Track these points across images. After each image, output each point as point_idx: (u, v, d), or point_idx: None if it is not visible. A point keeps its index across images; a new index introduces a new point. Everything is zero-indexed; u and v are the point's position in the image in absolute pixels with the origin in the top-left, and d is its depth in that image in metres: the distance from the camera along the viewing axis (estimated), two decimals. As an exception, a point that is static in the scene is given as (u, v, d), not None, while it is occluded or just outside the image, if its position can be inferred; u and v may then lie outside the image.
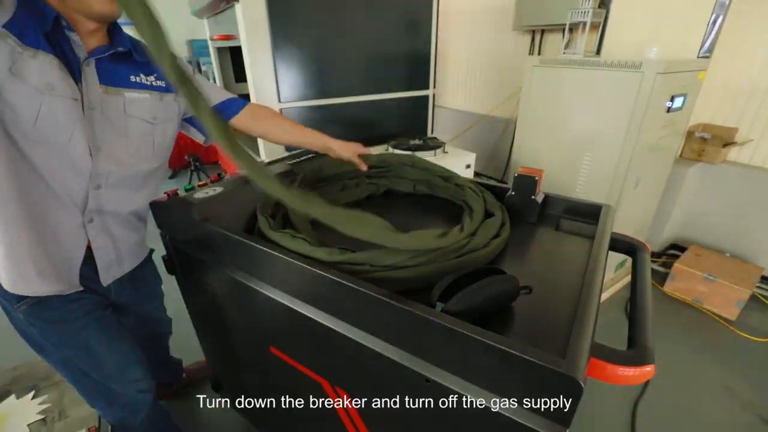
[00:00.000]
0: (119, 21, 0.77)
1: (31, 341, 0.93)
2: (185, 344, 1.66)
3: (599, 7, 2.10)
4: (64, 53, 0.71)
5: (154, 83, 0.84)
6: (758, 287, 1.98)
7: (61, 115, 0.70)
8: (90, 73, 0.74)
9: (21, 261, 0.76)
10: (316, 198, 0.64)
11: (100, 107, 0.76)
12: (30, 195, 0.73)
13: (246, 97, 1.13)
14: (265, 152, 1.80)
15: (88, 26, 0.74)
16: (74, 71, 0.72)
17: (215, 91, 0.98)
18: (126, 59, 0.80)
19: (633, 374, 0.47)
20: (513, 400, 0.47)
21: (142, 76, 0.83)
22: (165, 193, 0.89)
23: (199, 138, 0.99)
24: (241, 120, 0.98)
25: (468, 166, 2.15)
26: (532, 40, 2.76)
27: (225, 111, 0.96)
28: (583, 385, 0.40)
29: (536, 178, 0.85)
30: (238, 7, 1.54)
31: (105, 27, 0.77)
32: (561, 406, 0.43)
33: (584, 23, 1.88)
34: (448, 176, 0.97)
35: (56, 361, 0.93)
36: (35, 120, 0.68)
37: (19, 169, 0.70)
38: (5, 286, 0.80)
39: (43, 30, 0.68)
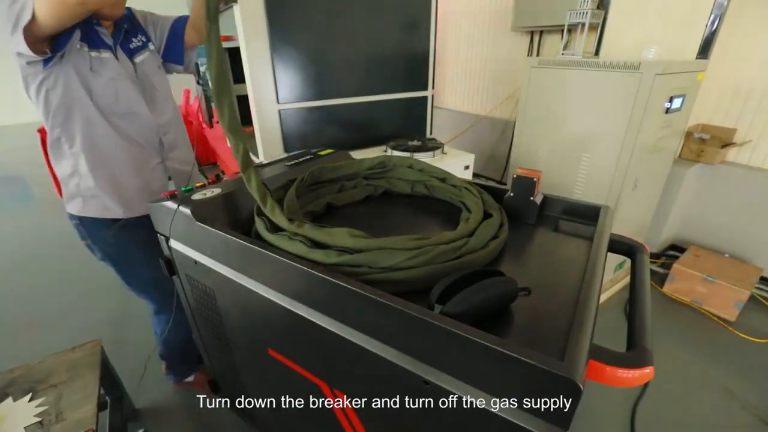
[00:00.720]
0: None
1: (113, 259, 1.18)
2: (184, 346, 1.65)
3: (598, 8, 2.11)
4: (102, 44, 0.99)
5: (143, 41, 1.10)
6: (757, 288, 1.98)
7: (130, 92, 1.04)
8: (121, 54, 1.03)
9: (125, 191, 1.10)
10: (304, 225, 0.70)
11: (140, 75, 1.07)
12: (129, 149, 1.08)
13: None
14: (263, 153, 1.80)
15: (106, 23, 1.01)
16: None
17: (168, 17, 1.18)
18: (124, 33, 1.05)
19: (632, 376, 0.47)
20: (512, 402, 0.47)
21: (133, 41, 1.08)
22: (163, 194, 0.89)
23: (178, 69, 1.21)
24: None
25: (467, 167, 2.15)
26: (531, 40, 2.76)
27: (180, 26, 1.16)
28: (581, 387, 0.40)
29: (535, 179, 0.84)
30: (236, 8, 1.54)
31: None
32: (560, 408, 0.43)
33: (583, 24, 1.88)
34: (444, 177, 0.97)
35: (135, 276, 1.23)
36: (116, 101, 1.02)
37: (120, 135, 1.05)
38: (96, 215, 1.10)
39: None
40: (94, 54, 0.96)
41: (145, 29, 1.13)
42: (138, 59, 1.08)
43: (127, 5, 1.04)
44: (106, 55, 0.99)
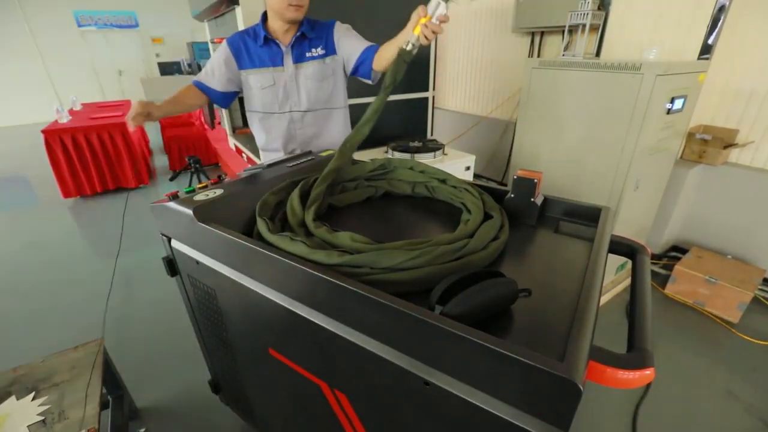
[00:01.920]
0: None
1: None
2: (185, 344, 1.66)
3: (599, 9, 2.11)
4: (273, 50, 1.29)
5: (319, 54, 1.31)
6: (760, 289, 1.97)
7: (272, 96, 1.35)
8: (287, 58, 1.30)
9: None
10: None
11: (293, 77, 1.32)
12: (275, 135, 1.42)
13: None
14: (263, 155, 1.80)
15: (283, 29, 1.27)
16: (277, 59, 1.30)
17: (359, 41, 1.31)
18: (305, 38, 1.29)
19: (632, 377, 0.47)
20: (512, 403, 0.47)
21: (313, 50, 1.30)
22: (165, 195, 0.90)
23: (367, 81, 1.33)
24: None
25: (468, 168, 2.15)
26: (532, 41, 2.76)
27: (366, 59, 1.28)
28: (581, 388, 0.40)
29: (535, 180, 0.84)
30: (238, 10, 1.55)
31: (295, 26, 1.28)
32: (560, 410, 0.43)
33: (584, 25, 1.88)
34: (444, 178, 0.97)
35: None
36: (262, 105, 1.37)
37: (269, 124, 1.41)
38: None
39: (260, 45, 1.28)
40: (244, 75, 1.33)
41: (335, 45, 1.32)
42: (307, 67, 1.31)
43: (330, 19, 1.33)
44: (264, 70, 1.31)
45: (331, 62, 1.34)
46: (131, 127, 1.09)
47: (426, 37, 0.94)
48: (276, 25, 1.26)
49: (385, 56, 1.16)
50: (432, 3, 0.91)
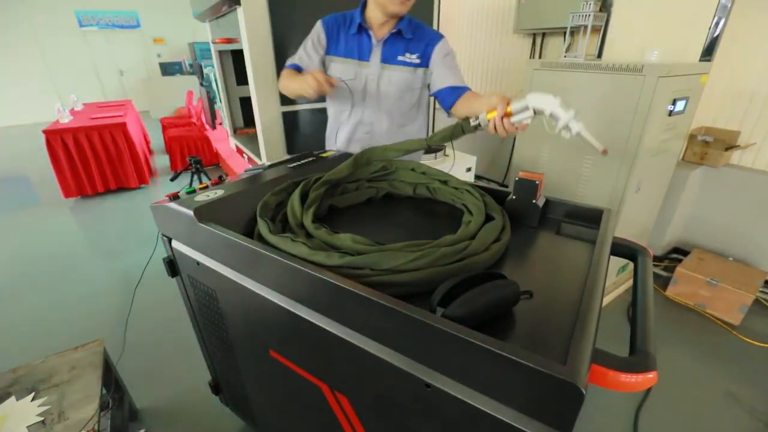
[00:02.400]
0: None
1: None
2: (185, 345, 1.66)
3: (600, 10, 2.10)
4: (363, 41, 1.18)
5: (413, 60, 1.19)
6: (762, 292, 1.97)
7: (349, 92, 1.23)
8: (375, 54, 1.18)
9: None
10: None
11: (376, 77, 1.21)
12: (340, 133, 1.33)
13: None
14: (266, 155, 1.80)
15: (381, 21, 1.15)
16: (365, 52, 1.18)
17: (453, 75, 1.20)
18: (400, 37, 1.17)
19: (635, 381, 0.47)
20: (513, 406, 0.46)
21: (407, 54, 1.18)
22: (166, 195, 0.89)
23: (445, 108, 1.22)
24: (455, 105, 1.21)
25: (469, 170, 2.15)
26: (533, 43, 2.76)
27: (449, 98, 1.19)
28: (584, 391, 0.40)
29: (537, 181, 0.84)
30: (239, 10, 1.55)
31: (394, 20, 1.15)
32: (562, 413, 0.43)
33: (585, 26, 1.88)
34: (446, 180, 0.97)
35: None
36: (337, 97, 1.27)
37: (339, 120, 1.33)
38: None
39: (352, 32, 1.17)
40: (328, 61, 1.22)
41: (430, 61, 1.20)
42: (395, 70, 1.19)
43: (436, 32, 1.21)
44: (346, 60, 1.20)
45: (422, 75, 1.21)
46: (328, 89, 1.03)
47: (496, 131, 0.87)
48: (373, 15, 1.14)
49: (460, 111, 1.13)
50: (519, 104, 0.82)
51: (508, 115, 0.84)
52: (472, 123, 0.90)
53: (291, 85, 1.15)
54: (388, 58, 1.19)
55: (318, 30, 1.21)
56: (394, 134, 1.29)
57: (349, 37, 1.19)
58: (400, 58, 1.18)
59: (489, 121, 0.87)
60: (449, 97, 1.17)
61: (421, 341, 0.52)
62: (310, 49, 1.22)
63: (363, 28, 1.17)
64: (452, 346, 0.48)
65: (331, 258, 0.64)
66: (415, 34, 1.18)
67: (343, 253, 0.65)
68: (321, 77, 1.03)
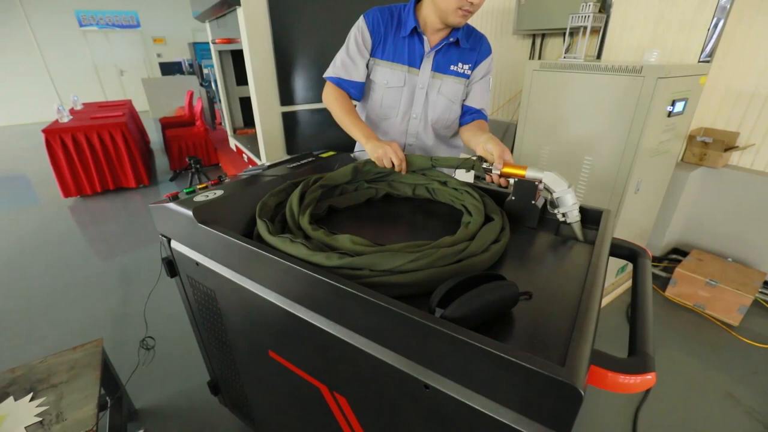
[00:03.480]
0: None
1: None
2: (186, 346, 1.66)
3: (600, 11, 2.11)
4: (415, 46, 1.07)
5: (465, 72, 1.11)
6: (761, 292, 1.97)
7: (395, 100, 1.13)
8: (427, 62, 1.08)
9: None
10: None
11: (425, 87, 1.11)
12: (386, 135, 1.21)
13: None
14: (265, 155, 1.80)
15: (436, 27, 1.04)
16: (416, 58, 1.08)
17: (480, 98, 1.16)
18: (456, 46, 1.08)
19: (633, 382, 0.47)
20: (512, 408, 0.46)
21: (460, 64, 1.10)
22: (165, 195, 0.89)
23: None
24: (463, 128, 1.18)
25: (468, 170, 2.15)
26: (533, 44, 2.77)
27: (469, 115, 1.17)
28: (582, 393, 0.40)
29: (536, 182, 0.84)
30: (239, 11, 1.55)
31: (450, 28, 1.05)
32: (560, 414, 0.43)
33: (585, 27, 1.88)
34: (445, 180, 0.97)
35: None
36: (380, 105, 1.15)
37: (379, 131, 1.20)
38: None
39: (403, 35, 1.06)
40: (371, 63, 1.11)
41: (475, 67, 1.12)
42: (446, 80, 1.10)
43: (488, 44, 1.12)
44: (394, 64, 1.09)
45: (469, 86, 1.14)
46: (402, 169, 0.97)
47: (491, 179, 0.89)
48: (429, 20, 1.03)
49: (461, 134, 1.14)
50: (534, 174, 0.83)
51: (520, 176, 0.85)
52: (485, 166, 0.90)
53: (347, 123, 1.05)
54: (440, 67, 1.09)
55: (362, 28, 1.07)
56: (439, 147, 1.23)
57: (399, 39, 1.07)
58: (452, 68, 1.09)
59: (486, 170, 0.89)
60: (465, 116, 1.16)
61: (420, 342, 0.52)
62: (354, 54, 1.09)
63: (416, 32, 1.06)
64: (451, 347, 0.48)
65: (331, 259, 0.64)
66: (471, 44, 1.10)
67: (342, 254, 0.65)
68: (401, 157, 0.95)
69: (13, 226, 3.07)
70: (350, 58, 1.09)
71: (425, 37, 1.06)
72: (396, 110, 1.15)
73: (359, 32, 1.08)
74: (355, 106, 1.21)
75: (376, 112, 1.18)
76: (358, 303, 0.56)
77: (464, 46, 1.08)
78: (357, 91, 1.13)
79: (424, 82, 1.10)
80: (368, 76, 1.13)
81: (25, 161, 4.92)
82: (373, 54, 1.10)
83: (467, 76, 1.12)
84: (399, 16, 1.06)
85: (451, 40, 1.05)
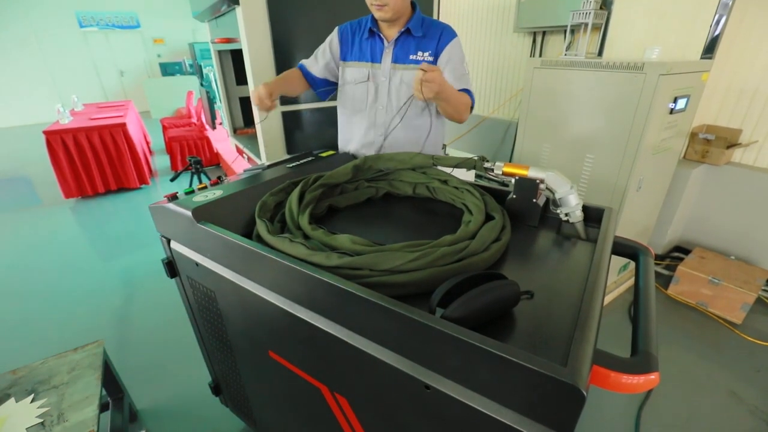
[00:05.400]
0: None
1: None
2: (186, 346, 1.66)
3: (601, 8, 2.09)
4: (376, 44, 1.19)
5: (425, 59, 1.16)
6: (764, 290, 1.96)
7: (363, 94, 1.24)
8: (387, 55, 1.18)
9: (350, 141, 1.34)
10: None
11: (387, 78, 1.19)
12: (355, 136, 1.31)
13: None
14: (265, 155, 1.80)
15: (385, 24, 1.16)
16: (377, 54, 1.19)
17: (455, 81, 1.15)
18: (411, 36, 1.16)
19: (637, 382, 0.46)
20: (514, 408, 0.46)
21: (419, 53, 1.16)
22: (165, 196, 0.89)
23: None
24: None
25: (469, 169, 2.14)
26: (534, 41, 2.75)
27: None
28: (585, 393, 0.39)
29: (538, 181, 0.84)
30: (238, 10, 1.54)
31: (400, 21, 1.15)
32: (562, 415, 0.42)
33: (586, 24, 1.87)
34: (446, 179, 0.97)
35: None
36: (351, 101, 1.27)
37: (351, 127, 1.32)
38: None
39: (365, 37, 1.19)
40: (342, 67, 1.25)
41: (437, 53, 1.15)
42: (406, 70, 1.17)
43: (449, 31, 1.17)
44: (359, 64, 1.22)
45: None
46: (262, 116, 1.05)
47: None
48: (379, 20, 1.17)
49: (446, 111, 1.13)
50: (536, 174, 0.83)
51: (522, 176, 0.86)
52: (486, 165, 0.90)
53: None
54: (399, 58, 1.17)
55: (332, 36, 1.25)
56: (409, 134, 1.26)
57: (363, 41, 1.21)
58: (411, 57, 1.16)
59: (503, 173, 0.89)
60: None
61: (420, 342, 0.51)
62: (318, 54, 1.27)
63: (374, 32, 1.18)
64: (452, 348, 0.47)
65: (330, 258, 0.64)
66: (427, 32, 1.16)
67: (342, 254, 0.65)
68: (264, 93, 1.06)
69: (15, 227, 3.08)
70: (315, 57, 1.28)
71: (383, 35, 1.19)
72: (364, 103, 1.26)
73: (329, 39, 1.26)
74: (340, 111, 1.36)
75: (349, 108, 1.31)
76: (358, 303, 0.55)
77: (417, 34, 1.15)
78: (315, 83, 1.30)
79: (385, 74, 1.20)
80: (343, 78, 1.27)
81: (26, 162, 4.93)
82: (343, 58, 1.25)
83: (427, 63, 1.16)
84: (365, 23, 1.21)
85: (403, 30, 1.15)
